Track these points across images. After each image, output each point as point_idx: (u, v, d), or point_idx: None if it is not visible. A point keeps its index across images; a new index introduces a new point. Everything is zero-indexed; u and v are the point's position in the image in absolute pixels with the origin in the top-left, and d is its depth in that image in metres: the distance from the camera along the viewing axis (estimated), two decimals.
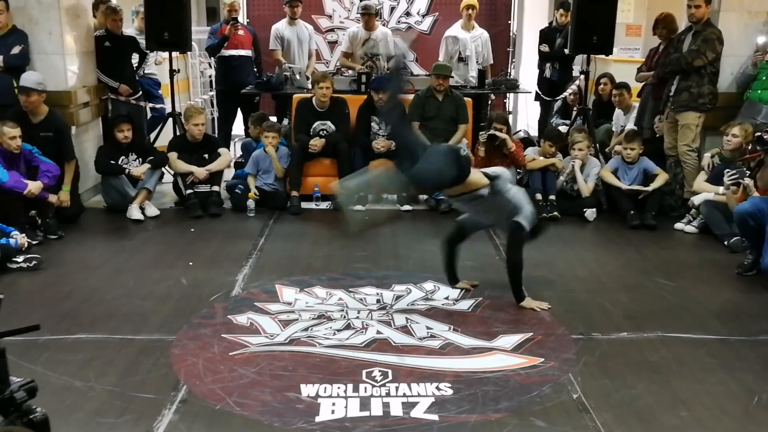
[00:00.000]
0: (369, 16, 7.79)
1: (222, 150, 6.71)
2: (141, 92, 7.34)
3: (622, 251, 5.49)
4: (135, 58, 7.37)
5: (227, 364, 3.56)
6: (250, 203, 6.35)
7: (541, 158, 6.50)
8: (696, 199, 5.85)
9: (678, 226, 5.97)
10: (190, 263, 5.08)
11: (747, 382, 3.43)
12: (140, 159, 6.41)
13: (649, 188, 6.12)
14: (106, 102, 7.06)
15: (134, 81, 7.29)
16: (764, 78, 6.18)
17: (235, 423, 3.05)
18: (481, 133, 6.56)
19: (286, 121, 7.49)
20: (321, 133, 6.68)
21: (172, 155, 6.50)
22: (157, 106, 7.74)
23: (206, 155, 6.56)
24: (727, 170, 5.40)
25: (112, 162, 6.29)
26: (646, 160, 6.32)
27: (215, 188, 6.49)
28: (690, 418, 3.11)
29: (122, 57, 7.12)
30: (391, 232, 5.81)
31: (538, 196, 6.27)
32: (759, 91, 6.22)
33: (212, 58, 8.35)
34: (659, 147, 6.53)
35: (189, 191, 6.39)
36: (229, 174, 6.96)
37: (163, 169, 6.68)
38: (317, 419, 3.07)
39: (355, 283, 4.68)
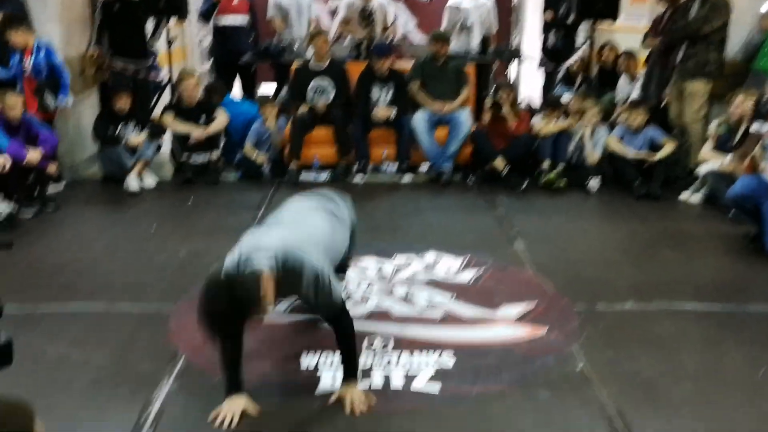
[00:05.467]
0: None
1: (219, 111, 6.54)
2: (151, 60, 7.00)
3: (626, 222, 5.41)
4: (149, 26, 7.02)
5: None
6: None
7: (555, 122, 6.39)
8: (702, 169, 5.76)
9: (683, 196, 5.88)
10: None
11: (752, 354, 3.38)
12: (139, 127, 6.31)
13: (656, 156, 6.02)
14: (102, 70, 6.88)
15: (144, 48, 6.91)
16: None
17: None
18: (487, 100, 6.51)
19: (285, 90, 7.37)
20: (318, 89, 6.53)
21: (168, 115, 6.38)
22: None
23: (202, 120, 6.42)
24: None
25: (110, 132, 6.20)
26: (652, 129, 6.19)
27: (214, 154, 6.41)
28: (695, 390, 3.07)
29: (132, 22, 6.71)
30: (390, 204, 5.74)
31: (546, 164, 6.21)
32: (764, 60, 6.10)
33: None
34: (665, 116, 6.43)
35: (185, 154, 6.31)
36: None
37: (160, 139, 6.57)
38: (317, 392, 3.03)
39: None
